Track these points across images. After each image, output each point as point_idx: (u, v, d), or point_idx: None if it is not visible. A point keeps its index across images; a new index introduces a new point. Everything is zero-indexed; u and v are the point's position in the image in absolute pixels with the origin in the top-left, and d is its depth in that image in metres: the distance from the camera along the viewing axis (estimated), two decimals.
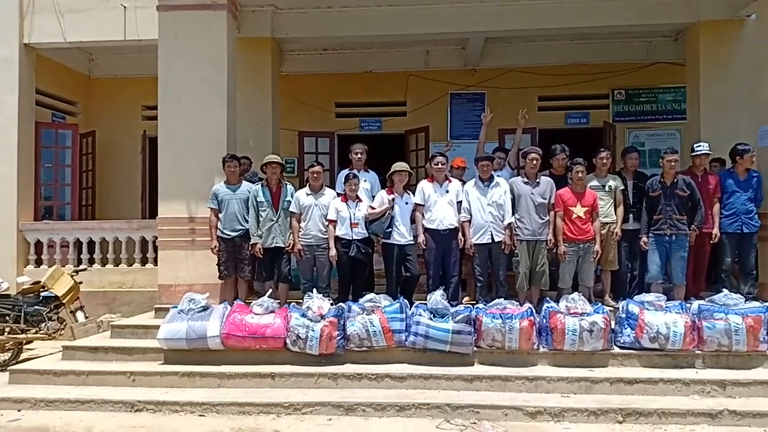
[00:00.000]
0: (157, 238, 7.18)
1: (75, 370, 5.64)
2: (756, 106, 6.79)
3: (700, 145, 6.41)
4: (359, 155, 6.87)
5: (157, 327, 5.78)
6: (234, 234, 6.43)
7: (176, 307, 5.85)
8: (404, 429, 4.67)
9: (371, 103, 10.51)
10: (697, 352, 5.32)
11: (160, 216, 6.86)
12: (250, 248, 6.39)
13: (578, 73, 9.89)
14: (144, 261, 8.21)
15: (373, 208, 6.37)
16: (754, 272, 6.15)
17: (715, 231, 6.15)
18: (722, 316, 5.28)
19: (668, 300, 5.65)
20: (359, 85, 10.30)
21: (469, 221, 6.20)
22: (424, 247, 6.27)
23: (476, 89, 10.15)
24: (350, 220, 6.24)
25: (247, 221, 6.43)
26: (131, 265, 8.18)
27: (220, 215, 6.46)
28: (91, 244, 8.32)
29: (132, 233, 8.20)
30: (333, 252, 6.21)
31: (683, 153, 7.07)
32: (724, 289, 5.70)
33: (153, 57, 7.00)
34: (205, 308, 5.80)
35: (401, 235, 6.28)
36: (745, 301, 5.55)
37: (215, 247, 6.45)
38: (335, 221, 6.27)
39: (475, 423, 4.74)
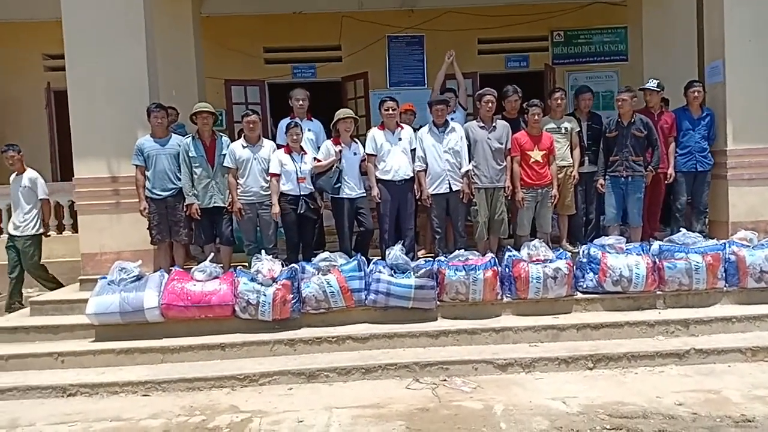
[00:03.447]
0: (74, 202, 6.38)
1: None
2: (701, 44, 6.74)
3: (650, 82, 6.28)
4: (301, 102, 6.27)
5: (85, 301, 5.16)
6: (165, 194, 5.78)
7: (105, 277, 5.24)
8: (373, 392, 4.38)
9: (303, 48, 9.85)
10: (658, 292, 5.32)
11: (76, 177, 6.05)
12: (185, 209, 5.77)
13: (517, 14, 9.61)
14: (60, 228, 7.37)
15: (318, 161, 5.87)
16: (707, 210, 6.19)
17: (671, 171, 6.10)
18: (683, 256, 5.28)
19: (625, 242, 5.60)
20: (289, 27, 9.59)
21: (425, 170, 5.84)
22: (379, 200, 5.86)
23: (414, 32, 9.67)
24: (297, 173, 5.72)
25: (179, 179, 5.77)
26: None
27: (147, 173, 5.77)
28: None
29: None
30: (276, 209, 5.68)
31: None
32: (682, 229, 5.71)
33: None
34: (138, 277, 5.24)
35: (351, 188, 5.84)
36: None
37: (145, 209, 5.78)
38: (278, 175, 5.73)
39: (445, 380, 4.53)
